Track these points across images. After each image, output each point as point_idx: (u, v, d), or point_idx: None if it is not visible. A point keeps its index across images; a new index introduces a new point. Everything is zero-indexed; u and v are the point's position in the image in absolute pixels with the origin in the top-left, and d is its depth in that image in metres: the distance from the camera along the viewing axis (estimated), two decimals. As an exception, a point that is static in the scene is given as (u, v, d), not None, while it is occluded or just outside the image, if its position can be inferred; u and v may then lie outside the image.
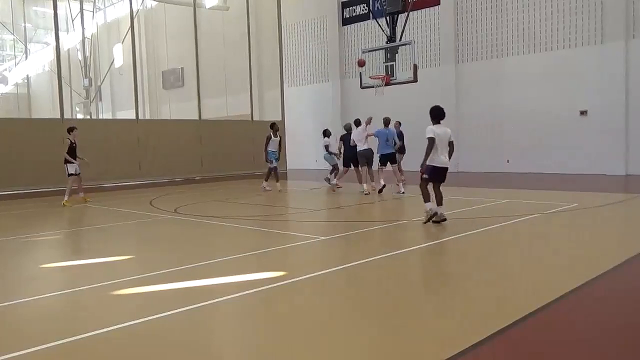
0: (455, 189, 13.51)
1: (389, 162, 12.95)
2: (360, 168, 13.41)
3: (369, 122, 13.02)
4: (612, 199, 10.62)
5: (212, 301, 4.54)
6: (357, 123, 13.36)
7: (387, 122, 13.18)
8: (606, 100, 16.58)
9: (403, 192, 12.47)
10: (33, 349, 3.55)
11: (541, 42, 18.03)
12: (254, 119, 22.83)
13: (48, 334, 3.87)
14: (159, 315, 4.19)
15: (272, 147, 14.60)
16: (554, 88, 17.69)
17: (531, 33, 18.23)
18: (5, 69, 40.97)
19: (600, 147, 16.81)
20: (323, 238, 7.40)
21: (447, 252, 6.62)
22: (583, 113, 17.13)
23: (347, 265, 5.80)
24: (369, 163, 13.02)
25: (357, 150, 13.16)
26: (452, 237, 7.19)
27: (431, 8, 20.89)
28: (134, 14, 20.68)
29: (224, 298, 4.66)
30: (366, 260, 5.93)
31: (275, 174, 14.78)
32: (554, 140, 17.70)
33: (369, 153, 12.95)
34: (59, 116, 17.23)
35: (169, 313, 4.23)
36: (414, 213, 9.56)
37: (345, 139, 13.81)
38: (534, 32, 18.15)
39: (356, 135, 13.19)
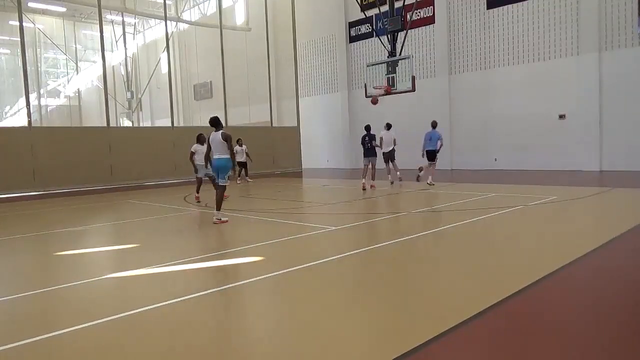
0: (449, 185, 13.50)
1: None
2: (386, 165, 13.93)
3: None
4: (587, 192, 10.53)
5: (243, 281, 4.62)
6: (388, 127, 13.88)
7: (434, 124, 13.22)
8: (582, 105, 16.43)
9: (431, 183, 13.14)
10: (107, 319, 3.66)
11: (525, 54, 17.89)
12: (273, 125, 22.99)
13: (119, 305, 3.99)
14: (196, 295, 4.28)
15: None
16: (536, 95, 17.56)
17: (516, 46, 18.10)
18: (60, 84, 41.50)
19: (577, 146, 16.67)
20: (334, 228, 7.45)
21: (443, 238, 6.64)
22: (562, 117, 16.97)
23: (357, 250, 5.85)
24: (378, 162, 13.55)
25: (385, 150, 13.67)
26: (447, 226, 7.20)
27: (427, 26, 20.81)
28: (169, 36, 20.85)
29: (251, 280, 4.74)
30: (373, 246, 5.98)
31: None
32: (536, 141, 17.58)
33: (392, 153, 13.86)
34: (105, 124, 17.49)
35: (206, 292, 4.32)
36: (415, 205, 9.57)
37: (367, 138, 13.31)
38: (519, 46, 18.02)
39: (388, 138, 13.64)
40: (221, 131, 8.25)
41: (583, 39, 16.29)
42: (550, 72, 17.18)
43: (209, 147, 8.36)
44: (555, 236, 6.45)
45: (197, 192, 12.20)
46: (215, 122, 8.37)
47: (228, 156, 8.27)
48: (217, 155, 8.25)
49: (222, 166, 8.29)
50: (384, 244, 6.17)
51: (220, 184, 8.40)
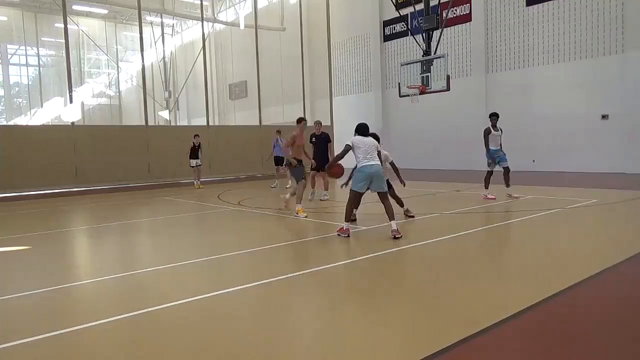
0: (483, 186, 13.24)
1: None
2: None
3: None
4: (629, 196, 10.14)
5: (274, 279, 4.69)
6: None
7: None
8: (626, 105, 15.79)
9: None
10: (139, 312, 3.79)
11: (565, 52, 17.34)
12: (307, 125, 23.06)
13: (163, 296, 4.12)
14: (234, 289, 4.37)
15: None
16: (577, 94, 17.00)
17: (556, 44, 17.57)
18: (101, 84, 42.91)
19: (620, 148, 16.04)
20: (364, 228, 7.44)
21: (478, 240, 6.53)
22: (604, 117, 16.38)
23: (389, 250, 5.83)
24: None
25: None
26: (481, 228, 7.08)
27: (463, 24, 20.47)
28: (206, 36, 21.25)
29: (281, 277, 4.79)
30: (415, 244, 5.96)
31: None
32: (577, 142, 17.02)
33: None
34: (144, 123, 17.98)
35: (242, 287, 4.41)
36: (449, 206, 9.45)
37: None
38: (559, 44, 17.48)
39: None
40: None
41: (628, 37, 15.67)
42: (592, 71, 16.60)
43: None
44: (594, 239, 6.25)
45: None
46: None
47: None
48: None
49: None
50: (417, 244, 6.12)
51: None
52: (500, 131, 10.49)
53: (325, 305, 4.07)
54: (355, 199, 6.83)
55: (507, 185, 10.56)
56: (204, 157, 16.62)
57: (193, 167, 15.97)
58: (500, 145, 10.53)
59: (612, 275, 4.56)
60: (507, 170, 10.47)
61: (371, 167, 6.59)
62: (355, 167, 6.89)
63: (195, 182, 16.29)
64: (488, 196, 10.36)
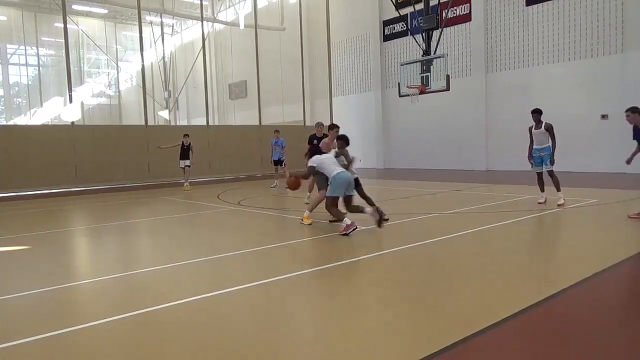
0: (485, 186, 13.25)
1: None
2: None
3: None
4: (630, 196, 10.15)
5: (275, 278, 4.69)
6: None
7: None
8: (626, 105, 15.63)
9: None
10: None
11: (565, 52, 17.34)
12: (306, 125, 23.07)
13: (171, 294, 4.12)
14: (236, 288, 4.37)
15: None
16: (577, 94, 17.01)
17: (556, 44, 17.58)
18: (101, 84, 42.86)
19: (620, 148, 16.01)
20: (364, 228, 7.43)
21: (479, 240, 6.53)
22: (604, 117, 16.38)
23: (388, 250, 5.82)
24: None
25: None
26: (482, 227, 7.08)
27: (463, 24, 20.47)
28: (205, 36, 21.25)
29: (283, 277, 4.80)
30: (418, 243, 5.95)
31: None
32: (577, 142, 17.01)
33: None
34: (143, 123, 17.97)
35: (241, 287, 4.41)
36: (447, 206, 9.44)
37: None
38: (559, 43, 17.49)
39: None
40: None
41: (628, 37, 15.67)
42: (592, 71, 16.60)
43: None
44: (594, 239, 6.24)
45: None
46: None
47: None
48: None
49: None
50: (417, 244, 6.12)
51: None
52: (542, 127, 9.52)
53: (325, 305, 4.07)
54: (334, 203, 7.25)
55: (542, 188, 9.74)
56: (195, 157, 15.95)
57: (183, 167, 15.66)
58: (553, 143, 9.45)
59: (612, 275, 4.56)
60: (539, 175, 9.64)
61: (345, 173, 7.30)
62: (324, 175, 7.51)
63: (185, 183, 15.93)
64: (539, 200, 9.38)
